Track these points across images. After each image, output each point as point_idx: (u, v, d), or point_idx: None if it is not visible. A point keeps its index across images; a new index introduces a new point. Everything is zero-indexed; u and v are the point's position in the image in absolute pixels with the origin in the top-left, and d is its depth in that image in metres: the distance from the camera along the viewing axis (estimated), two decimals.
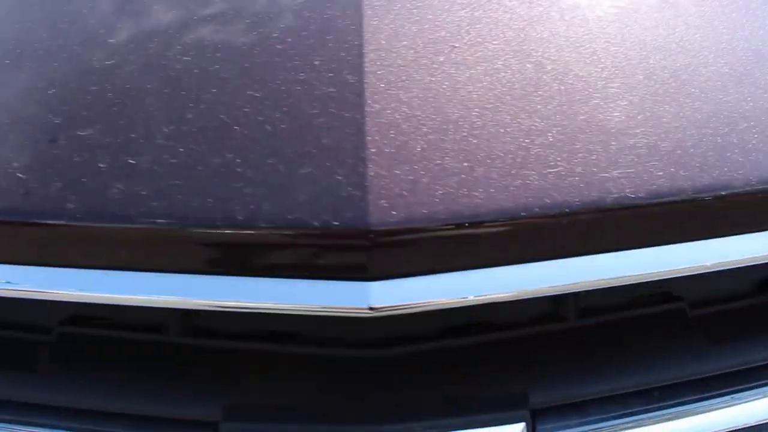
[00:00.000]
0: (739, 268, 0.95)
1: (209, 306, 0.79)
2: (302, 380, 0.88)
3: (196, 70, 0.86)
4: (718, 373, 0.90)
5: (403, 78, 0.84)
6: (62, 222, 0.79)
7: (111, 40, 0.91)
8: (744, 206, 0.84)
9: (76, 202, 0.79)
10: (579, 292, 0.89)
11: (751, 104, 0.90)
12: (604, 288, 0.89)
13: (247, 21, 0.90)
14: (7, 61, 0.92)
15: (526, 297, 0.80)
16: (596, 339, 0.92)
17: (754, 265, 0.96)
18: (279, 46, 0.87)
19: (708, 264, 0.84)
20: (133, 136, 0.82)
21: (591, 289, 0.83)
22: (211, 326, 0.91)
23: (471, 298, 0.78)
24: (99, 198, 0.79)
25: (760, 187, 0.83)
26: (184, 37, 0.90)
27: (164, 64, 0.87)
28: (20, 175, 0.82)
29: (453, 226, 0.76)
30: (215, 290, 0.79)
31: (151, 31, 0.91)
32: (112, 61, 0.88)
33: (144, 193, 0.78)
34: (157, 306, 0.81)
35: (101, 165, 0.81)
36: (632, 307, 0.94)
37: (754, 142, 0.86)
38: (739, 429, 0.88)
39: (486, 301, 0.79)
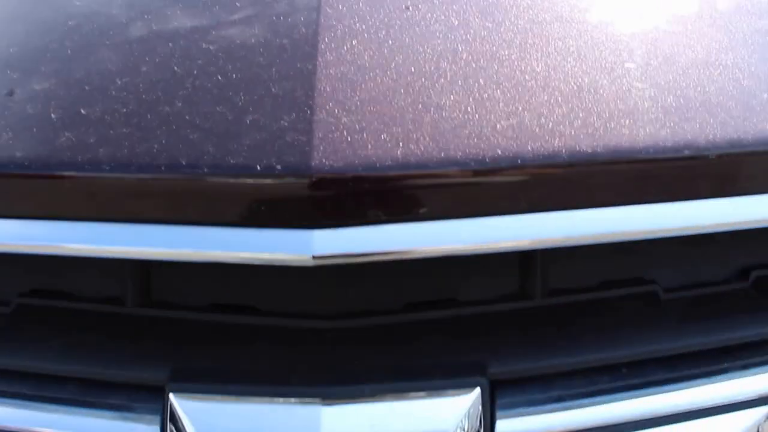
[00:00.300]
0: (718, 254, 0.93)
1: (153, 255, 0.78)
2: (255, 347, 0.85)
3: (154, 27, 0.86)
4: (689, 351, 0.86)
5: (357, 31, 0.83)
6: (9, 172, 0.79)
7: (76, 2, 0.91)
8: (704, 169, 0.81)
9: (24, 150, 0.78)
10: (546, 270, 0.87)
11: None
12: (572, 262, 0.87)
13: None
14: None
15: (472, 252, 0.77)
16: (563, 317, 0.89)
17: (733, 252, 0.93)
18: (237, 3, 0.87)
19: (670, 227, 0.81)
20: (87, 88, 0.82)
21: (547, 247, 0.80)
22: (168, 298, 0.89)
23: (416, 249, 0.76)
24: (47, 147, 0.78)
25: (721, 150, 0.80)
26: None
27: (123, 22, 0.88)
28: None
29: (398, 175, 0.74)
30: (160, 239, 0.77)
31: None
32: (73, 21, 0.89)
33: (92, 141, 0.77)
34: (100, 256, 0.79)
35: (53, 116, 0.80)
36: (603, 289, 0.90)
37: (724, 104, 0.83)
38: (708, 408, 0.83)
39: (431, 255, 0.76)
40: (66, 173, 0.77)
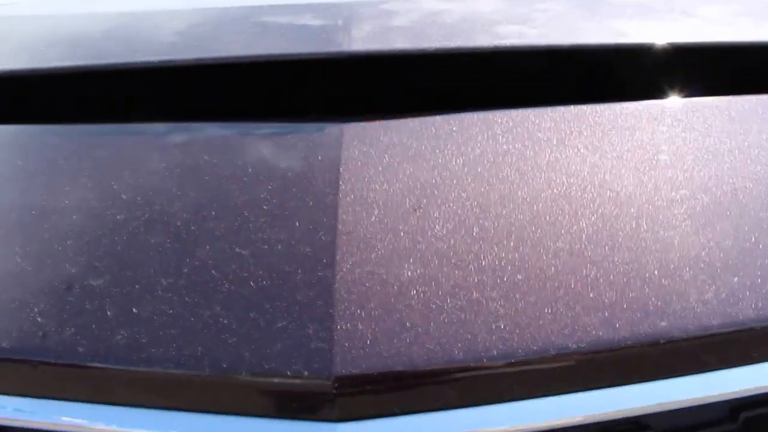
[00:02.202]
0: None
1: None
2: None
3: (193, 228, 0.99)
4: None
5: (372, 239, 0.96)
6: (73, 363, 0.92)
7: (123, 196, 1.04)
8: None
9: (85, 346, 0.91)
10: None
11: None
12: None
13: (239, 184, 1.03)
14: (34, 213, 1.06)
15: None
16: None
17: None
18: (265, 207, 1.00)
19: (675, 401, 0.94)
20: (137, 287, 0.95)
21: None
22: None
23: None
24: (105, 343, 0.91)
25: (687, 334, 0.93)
26: (184, 195, 1.03)
27: (166, 220, 1.00)
28: (39, 319, 0.95)
29: (408, 373, 0.87)
30: (204, 427, 0.90)
31: (156, 190, 1.04)
32: (122, 216, 1.01)
33: (144, 340, 0.91)
34: None
35: (109, 313, 0.93)
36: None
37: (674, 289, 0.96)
38: None
39: None
40: (124, 368, 0.91)
